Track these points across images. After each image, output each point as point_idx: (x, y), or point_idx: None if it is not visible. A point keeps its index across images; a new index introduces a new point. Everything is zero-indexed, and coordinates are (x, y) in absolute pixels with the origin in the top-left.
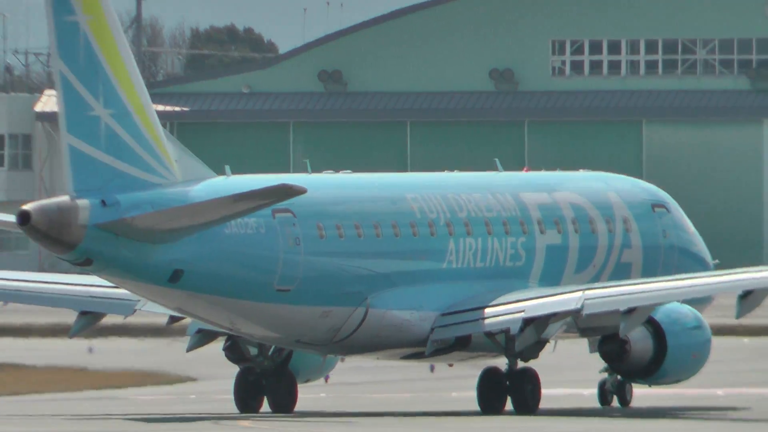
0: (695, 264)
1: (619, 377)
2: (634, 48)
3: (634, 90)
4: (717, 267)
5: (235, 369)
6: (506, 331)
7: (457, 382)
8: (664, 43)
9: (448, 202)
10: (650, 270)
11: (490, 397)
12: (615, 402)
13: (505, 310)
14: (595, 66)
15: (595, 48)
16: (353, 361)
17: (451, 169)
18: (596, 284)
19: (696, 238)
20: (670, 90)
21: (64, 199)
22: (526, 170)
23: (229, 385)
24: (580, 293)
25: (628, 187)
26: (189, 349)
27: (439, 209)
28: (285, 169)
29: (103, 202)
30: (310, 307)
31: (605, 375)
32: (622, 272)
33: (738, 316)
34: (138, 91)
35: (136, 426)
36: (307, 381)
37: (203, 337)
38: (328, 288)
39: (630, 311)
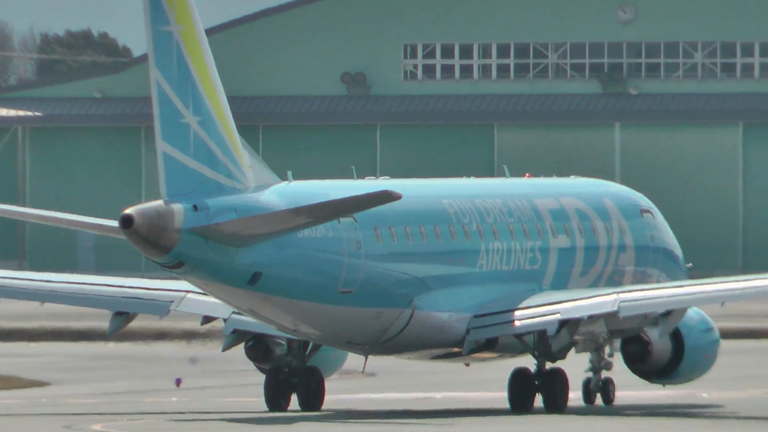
0: (675, 266)
1: (602, 377)
2: (486, 52)
3: (486, 94)
4: (690, 270)
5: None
6: (542, 333)
7: None
8: (516, 47)
9: (477, 208)
10: (641, 272)
11: (521, 396)
12: (598, 400)
13: (540, 312)
14: (447, 70)
15: (447, 52)
16: (209, 365)
17: (302, 175)
18: (627, 287)
19: (674, 241)
20: (522, 94)
21: (160, 203)
22: (528, 176)
23: (81, 389)
24: (614, 296)
25: (619, 193)
26: (225, 348)
27: (471, 214)
28: (137, 173)
29: (195, 207)
30: (366, 308)
31: (590, 374)
32: (617, 274)
33: None
34: (220, 99)
35: None
36: None
37: (237, 337)
38: (382, 290)
39: (667, 314)
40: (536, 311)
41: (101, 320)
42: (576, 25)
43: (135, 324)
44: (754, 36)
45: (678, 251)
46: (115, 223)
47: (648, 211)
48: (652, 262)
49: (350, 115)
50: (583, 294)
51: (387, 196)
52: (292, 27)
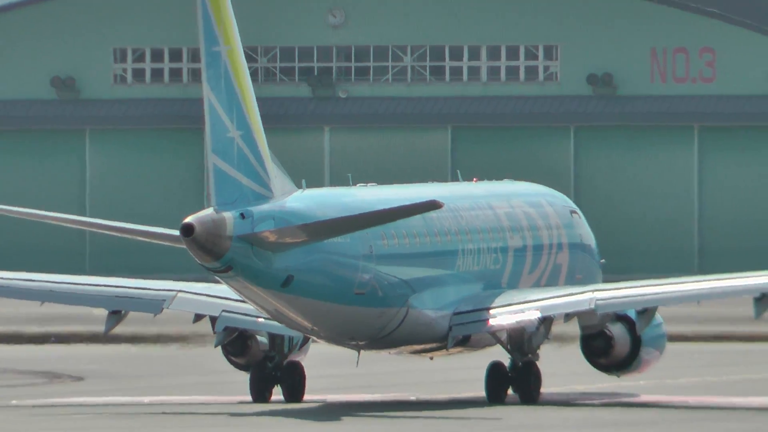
0: (594, 262)
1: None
2: (195, 56)
3: (195, 98)
4: (602, 266)
5: None
6: (521, 330)
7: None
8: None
9: (452, 212)
10: (572, 269)
11: (497, 388)
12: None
13: (520, 310)
14: (157, 73)
15: (157, 56)
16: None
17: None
18: (601, 286)
19: (593, 238)
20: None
21: (211, 212)
22: (476, 180)
23: None
24: (589, 294)
25: (552, 196)
26: (217, 344)
27: (449, 218)
28: None
29: (242, 215)
30: (373, 308)
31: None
32: (555, 272)
33: (757, 317)
34: (255, 113)
35: None
36: None
37: (228, 334)
38: (386, 291)
39: (643, 311)
40: (515, 308)
41: None
42: (285, 29)
43: None
44: (463, 40)
45: (595, 248)
46: (174, 232)
47: (575, 212)
48: (580, 259)
49: (59, 119)
50: (557, 292)
51: (433, 205)
52: (2, 31)
